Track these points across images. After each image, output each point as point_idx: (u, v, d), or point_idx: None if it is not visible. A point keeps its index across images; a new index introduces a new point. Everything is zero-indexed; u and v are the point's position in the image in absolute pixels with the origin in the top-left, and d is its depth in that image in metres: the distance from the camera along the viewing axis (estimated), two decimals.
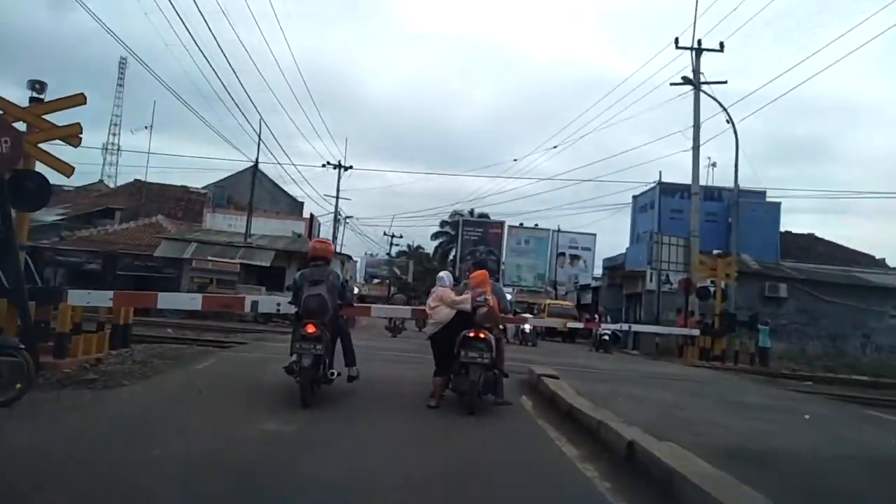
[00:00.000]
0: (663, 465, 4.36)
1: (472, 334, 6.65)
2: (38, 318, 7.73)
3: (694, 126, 22.96)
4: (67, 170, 7.97)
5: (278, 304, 8.60)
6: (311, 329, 6.29)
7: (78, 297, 7.77)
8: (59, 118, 7.99)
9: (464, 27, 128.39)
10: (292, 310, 7.42)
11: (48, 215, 25.58)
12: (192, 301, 8.19)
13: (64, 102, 7.87)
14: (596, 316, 25.19)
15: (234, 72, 40.86)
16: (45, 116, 7.88)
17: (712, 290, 21.78)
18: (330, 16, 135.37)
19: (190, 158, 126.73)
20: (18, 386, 5.49)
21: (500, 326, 7.99)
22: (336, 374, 6.82)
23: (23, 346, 5.94)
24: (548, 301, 31.46)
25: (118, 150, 52.51)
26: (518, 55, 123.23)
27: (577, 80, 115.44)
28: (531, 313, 21.75)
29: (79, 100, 7.88)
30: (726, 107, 22.64)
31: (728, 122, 22.98)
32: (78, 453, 4.28)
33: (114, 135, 54.62)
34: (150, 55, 48.04)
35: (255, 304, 8.23)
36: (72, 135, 7.84)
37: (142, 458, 4.23)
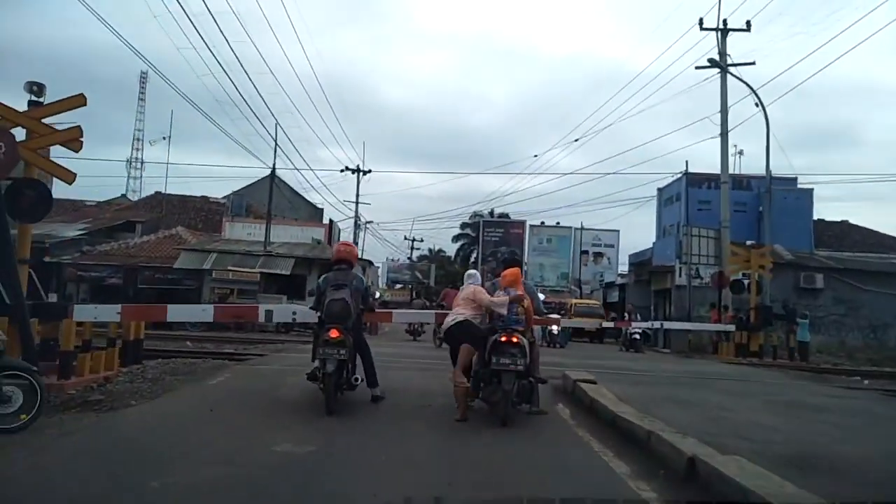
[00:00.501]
0: (734, 484, 3.76)
1: (503, 338, 6.10)
2: (45, 335, 7.39)
3: (721, 111, 22.09)
4: (69, 176, 7.61)
5: (294, 313, 8.19)
6: (334, 334, 6.10)
7: (83, 313, 7.40)
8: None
9: (477, 27, 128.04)
10: (311, 317, 7.04)
11: (69, 230, 25.66)
12: (203, 312, 7.78)
13: (63, 105, 7.50)
14: (625, 314, 24.40)
15: (251, 80, 40.83)
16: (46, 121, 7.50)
17: (746, 283, 20.90)
18: (342, 21, 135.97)
19: (209, 168, 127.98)
20: (25, 415, 5.27)
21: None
22: (360, 379, 6.55)
23: (35, 369, 5.69)
24: (574, 300, 30.66)
25: (142, 164, 52.85)
26: (533, 52, 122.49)
27: (595, 74, 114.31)
28: (558, 314, 20.98)
29: (79, 101, 7.50)
30: (754, 90, 21.73)
31: (757, 105, 22.05)
32: (70, 484, 3.84)
33: (137, 149, 55.03)
34: (168, 69, 48.50)
35: (269, 313, 7.81)
36: (72, 139, 7.46)
37: (139, 490, 3.77)
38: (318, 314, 6.64)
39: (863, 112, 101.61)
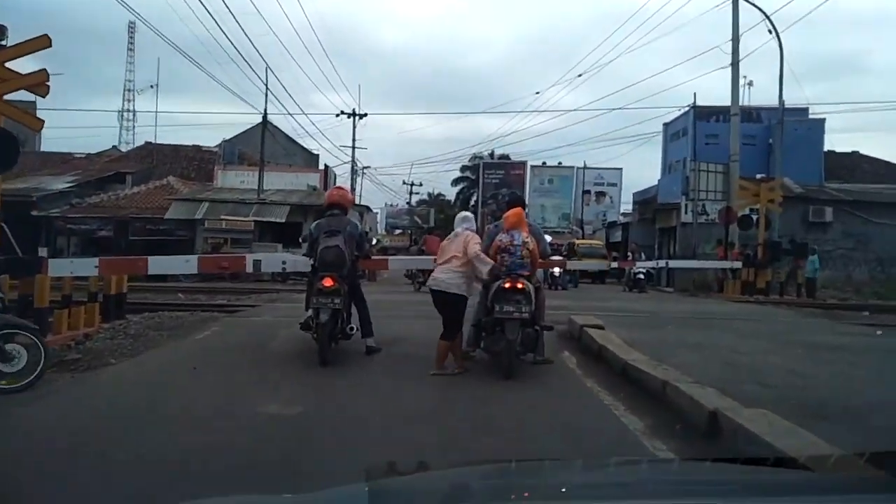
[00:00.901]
0: (763, 442, 3.36)
1: (507, 284, 5.63)
2: (23, 291, 6.95)
3: (733, 39, 20.93)
4: (36, 124, 7.04)
5: (283, 263, 7.75)
6: (328, 282, 5.75)
7: (59, 267, 6.98)
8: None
9: None
10: (302, 265, 6.62)
11: (58, 183, 25.00)
12: (187, 264, 7.33)
13: (26, 47, 6.83)
14: (628, 254, 23.96)
15: (240, 24, 39.15)
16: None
17: (755, 218, 20.34)
18: None
19: (202, 117, 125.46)
20: (30, 373, 5.14)
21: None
22: (355, 328, 6.23)
23: (36, 327, 5.62)
24: (576, 241, 30.19)
25: (133, 115, 51.32)
26: None
27: (596, 9, 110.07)
28: (561, 255, 20.47)
29: (43, 42, 6.81)
30: (768, 15, 20.55)
31: (770, 32, 20.96)
32: (27, 459, 3.45)
33: (128, 101, 53.32)
34: (157, 16, 46.40)
35: (257, 262, 7.40)
36: (38, 83, 6.83)
37: (104, 465, 3.39)
38: (311, 262, 6.23)
39: (873, 41, 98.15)
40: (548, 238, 7.86)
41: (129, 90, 53.25)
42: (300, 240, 7.12)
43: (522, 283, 5.68)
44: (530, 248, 5.90)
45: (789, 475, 2.09)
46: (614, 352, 5.98)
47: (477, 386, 5.45)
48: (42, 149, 36.53)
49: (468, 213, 6.60)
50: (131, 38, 53.24)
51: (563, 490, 1.41)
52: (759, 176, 22.33)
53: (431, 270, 6.26)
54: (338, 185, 7.38)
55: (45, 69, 6.73)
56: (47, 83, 6.74)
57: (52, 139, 64.24)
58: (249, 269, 7.56)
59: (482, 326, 5.98)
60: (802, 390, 5.27)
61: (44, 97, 6.82)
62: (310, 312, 6.02)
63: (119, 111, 51.97)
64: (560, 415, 4.68)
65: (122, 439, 3.81)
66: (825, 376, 5.90)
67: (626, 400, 4.95)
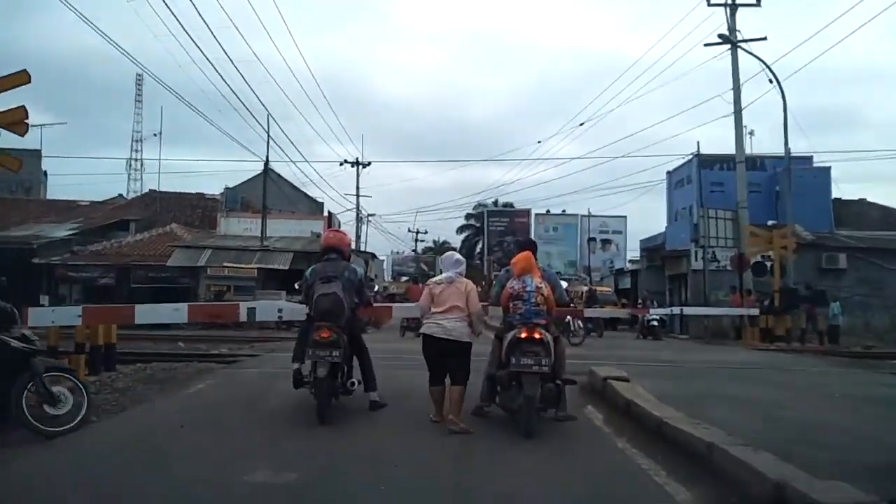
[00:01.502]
0: None
1: (523, 335, 5.11)
2: None
3: (734, 88, 20.97)
4: (14, 164, 6.66)
5: (280, 311, 7.24)
6: (325, 334, 5.23)
7: (40, 317, 6.47)
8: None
9: (472, 22, 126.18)
10: (299, 313, 6.10)
11: (59, 230, 24.76)
12: (176, 313, 6.83)
13: (5, 82, 6.51)
14: (639, 301, 23.36)
15: (242, 75, 39.81)
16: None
17: (769, 265, 19.84)
18: (338, 20, 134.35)
19: (206, 165, 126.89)
20: (74, 416, 5.15)
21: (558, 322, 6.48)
22: (357, 382, 5.71)
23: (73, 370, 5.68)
24: (584, 288, 29.58)
25: (141, 165, 51.78)
26: (530, 45, 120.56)
27: (595, 62, 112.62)
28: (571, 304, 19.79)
29: (22, 78, 6.51)
30: (768, 65, 20.56)
31: (771, 81, 20.92)
32: None
33: (136, 151, 53.96)
34: (163, 71, 47.19)
35: (251, 311, 6.87)
36: (16, 121, 6.48)
37: None
38: (307, 311, 5.74)
39: (865, 95, 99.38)
40: (564, 284, 7.35)
41: (136, 140, 53.91)
42: (295, 286, 6.58)
43: (540, 333, 5.17)
44: (545, 293, 5.43)
45: None
46: (645, 407, 5.40)
47: (495, 448, 4.84)
48: (49, 196, 36.67)
49: (459, 256, 6.11)
50: (139, 89, 54.29)
51: None
52: (770, 223, 21.94)
53: (416, 318, 5.96)
54: (333, 227, 6.90)
55: (23, 106, 6.39)
56: (26, 121, 6.40)
57: (61, 186, 64.73)
58: (243, 317, 7.05)
59: (497, 380, 5.42)
60: (860, 452, 4.69)
61: (22, 136, 6.46)
62: (296, 366, 5.64)
63: (127, 160, 52.40)
64: (594, 483, 4.08)
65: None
66: (877, 433, 5.30)
67: (665, 463, 4.36)
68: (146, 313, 6.63)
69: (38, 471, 4.17)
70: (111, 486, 3.72)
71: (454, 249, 60.98)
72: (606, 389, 6.53)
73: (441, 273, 5.87)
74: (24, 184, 35.92)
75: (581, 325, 15.63)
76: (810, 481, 3.32)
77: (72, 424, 5.10)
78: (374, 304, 8.77)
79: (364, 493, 3.77)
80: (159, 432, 5.06)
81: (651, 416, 5.21)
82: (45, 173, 38.87)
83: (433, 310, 5.55)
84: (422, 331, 5.70)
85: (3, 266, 19.05)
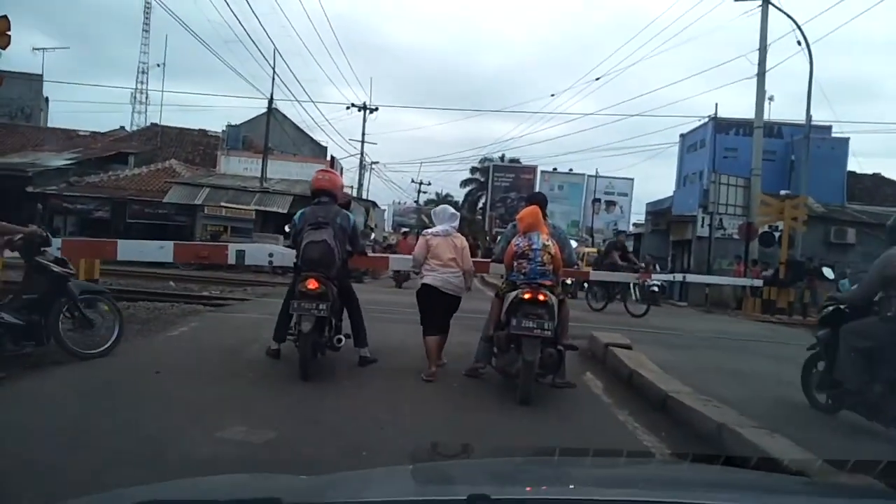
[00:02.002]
0: None
1: (527, 295, 4.76)
2: None
3: (760, 48, 20.04)
4: None
5: (271, 255, 6.86)
6: (312, 284, 4.87)
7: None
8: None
9: None
10: (291, 259, 5.72)
11: (56, 160, 24.20)
12: (161, 251, 6.47)
13: None
14: (642, 265, 23.00)
15: (252, 9, 38.38)
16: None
17: (777, 235, 19.41)
18: None
19: (212, 102, 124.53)
20: (108, 338, 5.31)
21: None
22: (343, 340, 5.35)
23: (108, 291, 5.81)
24: (585, 249, 29.20)
25: (146, 97, 50.32)
26: None
27: (613, 18, 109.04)
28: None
29: None
30: (799, 25, 19.60)
31: (800, 43, 20.02)
32: None
33: (141, 83, 52.30)
34: (175, 2, 45.43)
35: (240, 254, 6.52)
36: None
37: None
38: (294, 259, 5.36)
39: (892, 66, 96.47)
40: (574, 244, 7.00)
41: (142, 72, 52.34)
42: (285, 229, 6.22)
43: (545, 295, 4.82)
44: (552, 252, 5.06)
45: (788, 479, 2.29)
46: (650, 380, 5.09)
47: (488, 412, 4.58)
48: (50, 124, 35.81)
49: (453, 210, 6.15)
50: (147, 17, 52.45)
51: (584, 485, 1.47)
52: (782, 192, 21.37)
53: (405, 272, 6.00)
54: (325, 168, 6.43)
55: (5, 16, 5.86)
56: (8, 32, 5.89)
57: (64, 114, 63.36)
58: (231, 260, 6.72)
59: (495, 342, 5.11)
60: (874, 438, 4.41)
61: (3, 48, 5.94)
62: (275, 346, 5.36)
63: (132, 93, 50.98)
64: None
65: (29, 477, 2.93)
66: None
67: (669, 441, 4.08)
68: (129, 249, 6.28)
69: None
70: (65, 435, 3.42)
71: (456, 203, 60.56)
72: (608, 356, 6.24)
73: (434, 226, 5.86)
74: (24, 109, 35.07)
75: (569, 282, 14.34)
76: (827, 471, 3.01)
77: (105, 347, 5.26)
78: (370, 255, 8.40)
79: (344, 458, 3.48)
80: (130, 377, 4.76)
81: (656, 388, 4.91)
82: (47, 100, 37.84)
83: (431, 262, 5.54)
84: (425, 281, 5.62)
85: None
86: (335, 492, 1.35)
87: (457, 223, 5.81)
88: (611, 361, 6.11)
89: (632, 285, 13.22)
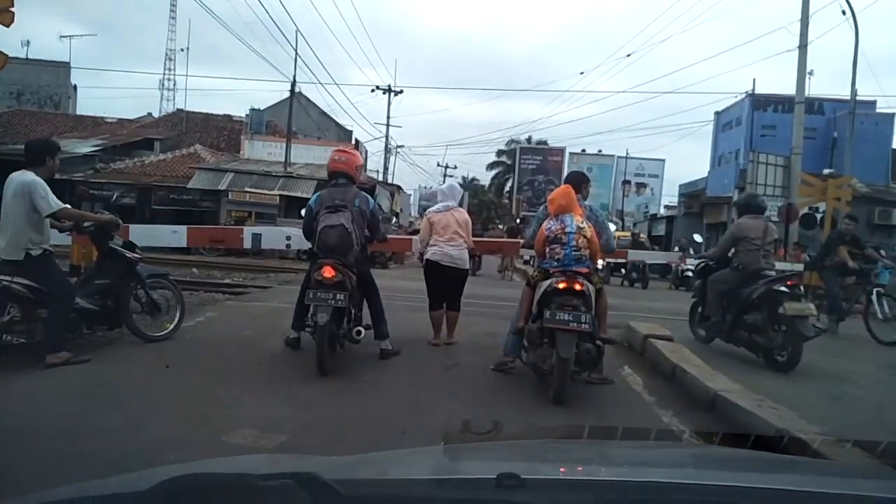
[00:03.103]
0: None
1: (562, 285, 4.34)
2: None
3: (801, 18, 18.89)
4: None
5: (288, 238, 6.61)
6: (329, 272, 4.56)
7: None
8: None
9: None
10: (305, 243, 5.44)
11: (83, 146, 24.38)
12: (174, 235, 6.24)
13: None
14: (677, 248, 22.29)
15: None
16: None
17: (820, 217, 18.53)
18: None
19: (235, 85, 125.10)
20: (170, 322, 5.52)
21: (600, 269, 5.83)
22: (363, 331, 5.01)
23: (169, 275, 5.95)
24: (618, 233, 28.54)
25: (174, 84, 50.62)
26: None
27: None
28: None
29: None
30: None
31: (844, 12, 19.01)
32: None
33: (169, 69, 52.64)
34: None
35: (256, 237, 6.31)
36: (1, 9, 5.71)
37: None
38: (311, 246, 5.04)
39: None
40: (612, 227, 6.67)
41: (170, 58, 52.59)
42: (300, 213, 5.95)
43: (581, 284, 4.40)
44: (587, 235, 4.64)
45: (816, 462, 2.43)
46: (696, 376, 4.66)
47: (519, 411, 4.21)
48: (80, 112, 36.20)
49: (457, 185, 6.57)
50: (173, 5, 52.55)
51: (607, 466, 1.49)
52: (825, 171, 20.39)
53: None
54: (342, 147, 6.10)
55: None
56: (11, 9, 5.63)
57: (92, 101, 64.42)
58: (247, 244, 6.51)
59: (526, 335, 4.69)
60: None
61: (7, 26, 5.69)
62: (294, 334, 5.20)
63: (160, 78, 51.27)
64: None
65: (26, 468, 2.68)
66: None
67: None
68: (142, 234, 6.05)
69: None
70: (63, 436, 3.15)
71: (483, 187, 59.91)
72: (647, 349, 5.80)
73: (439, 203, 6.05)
74: (52, 97, 35.49)
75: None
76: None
77: (167, 331, 5.44)
78: (392, 238, 8.07)
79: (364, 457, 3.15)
80: (138, 372, 4.51)
81: (703, 386, 4.47)
82: (75, 87, 38.27)
83: (436, 238, 5.76)
84: (427, 257, 5.83)
85: None
86: (367, 469, 1.37)
87: (459, 198, 6.06)
88: (650, 354, 5.68)
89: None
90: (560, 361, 4.21)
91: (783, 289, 5.96)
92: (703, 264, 7.07)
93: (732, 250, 6.43)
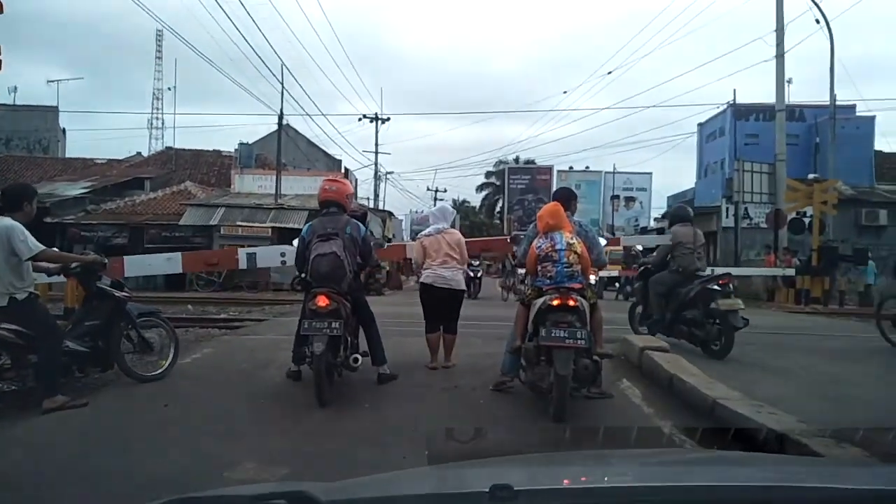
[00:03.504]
0: None
1: (556, 302, 4.39)
2: None
3: (777, 28, 19.39)
4: None
5: (283, 255, 6.76)
6: (323, 301, 4.57)
7: None
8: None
9: None
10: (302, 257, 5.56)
11: (73, 189, 24.40)
12: (169, 263, 6.31)
13: None
14: None
15: (259, 28, 38.59)
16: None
17: (807, 221, 18.73)
18: None
19: (223, 121, 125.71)
20: (164, 360, 5.45)
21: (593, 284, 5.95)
22: (360, 358, 4.99)
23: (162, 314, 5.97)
24: (608, 248, 28.61)
25: (162, 123, 50.96)
26: None
27: (622, 13, 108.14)
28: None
29: None
30: (817, 2, 19.00)
31: (818, 21, 19.44)
32: None
33: (157, 108, 53.05)
34: (181, 25, 46.09)
35: (250, 256, 6.51)
36: None
37: None
38: (303, 275, 5.07)
39: None
40: (602, 242, 6.78)
41: (157, 98, 52.96)
42: (292, 244, 6.01)
43: (574, 300, 4.44)
44: (578, 251, 4.68)
45: (804, 460, 2.62)
46: (694, 385, 4.68)
47: (520, 431, 4.22)
48: (69, 154, 36.26)
49: (448, 208, 6.63)
50: (159, 46, 53.09)
51: (606, 479, 1.51)
52: (810, 176, 20.66)
53: None
54: (332, 177, 6.21)
55: None
56: None
57: (81, 143, 64.67)
58: (242, 264, 6.69)
59: (523, 354, 4.72)
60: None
61: None
62: (294, 367, 5.11)
63: (148, 118, 51.58)
64: None
65: None
66: None
67: None
68: (137, 265, 6.12)
69: None
70: (61, 481, 3.14)
71: (474, 208, 60.18)
72: (644, 361, 5.82)
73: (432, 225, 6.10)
74: (41, 141, 35.58)
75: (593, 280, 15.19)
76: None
77: (162, 370, 5.35)
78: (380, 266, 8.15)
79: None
80: (137, 412, 4.50)
81: (701, 395, 4.50)
82: (64, 131, 38.40)
83: (429, 262, 5.82)
84: (421, 280, 5.99)
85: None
86: (361, 490, 1.40)
87: (450, 220, 6.04)
88: (647, 366, 5.70)
89: None
90: (558, 379, 4.21)
91: (716, 287, 6.86)
92: (643, 269, 7.86)
93: (669, 255, 7.21)
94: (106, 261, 5.33)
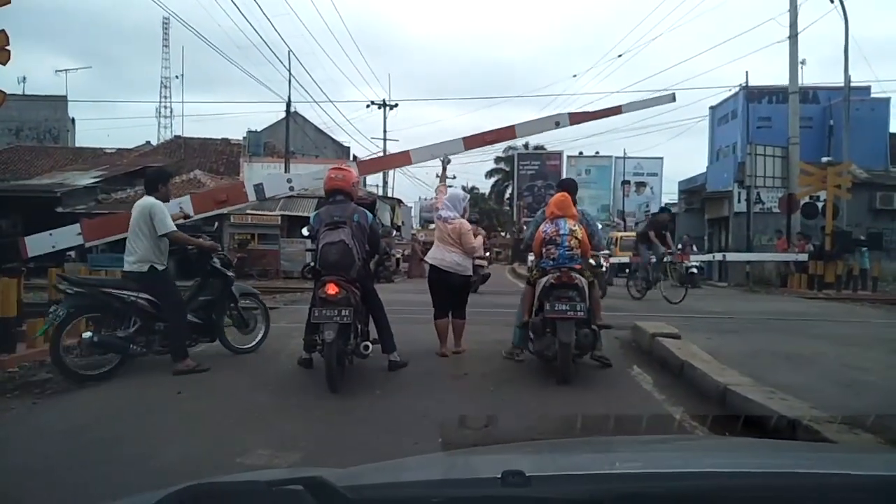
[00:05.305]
0: None
1: (557, 279, 4.86)
2: None
3: (790, 8, 19.06)
4: None
5: (289, 181, 7.54)
6: (332, 289, 4.60)
7: (39, 244, 6.77)
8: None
9: None
10: (310, 181, 6.02)
11: (83, 178, 24.55)
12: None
13: None
14: (679, 246, 22.32)
15: (268, 18, 38.49)
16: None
17: (820, 206, 18.50)
18: None
19: (232, 109, 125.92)
20: (257, 336, 6.00)
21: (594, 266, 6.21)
22: (371, 345, 5.05)
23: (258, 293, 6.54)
24: (619, 234, 28.47)
25: (171, 111, 51.11)
26: None
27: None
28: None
29: None
30: None
31: (832, 0, 19.08)
32: None
33: (165, 97, 53.19)
34: (188, 13, 46.06)
35: (258, 187, 6.96)
36: None
37: None
38: (312, 263, 5.12)
39: None
40: (599, 225, 6.90)
41: (165, 86, 53.03)
42: (303, 232, 6.14)
43: (574, 278, 4.92)
44: (578, 236, 5.16)
45: (813, 446, 2.68)
46: (705, 371, 4.68)
47: (528, 401, 4.32)
48: (78, 144, 36.49)
49: (460, 194, 6.53)
50: (166, 34, 53.08)
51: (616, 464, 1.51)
52: (824, 160, 20.37)
53: None
54: (338, 165, 6.29)
55: (3, 31, 5.72)
56: (7, 48, 5.73)
57: (91, 132, 65.09)
58: (251, 196, 7.26)
59: (530, 327, 5.13)
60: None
61: (3, 64, 5.79)
62: (306, 355, 5.14)
63: (156, 107, 51.69)
64: None
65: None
66: None
67: None
68: (38, 243, 6.60)
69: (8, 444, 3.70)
70: (80, 463, 3.19)
71: (483, 195, 59.90)
72: (655, 347, 5.82)
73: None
74: (51, 131, 35.80)
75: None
76: None
77: (253, 344, 5.90)
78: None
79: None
80: (152, 399, 4.56)
81: (712, 381, 4.49)
82: (73, 120, 38.61)
83: (437, 243, 6.03)
84: (426, 258, 6.29)
85: (27, 216, 18.90)
86: (374, 475, 1.40)
87: (461, 208, 6.07)
88: (658, 352, 5.70)
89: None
90: (562, 346, 4.71)
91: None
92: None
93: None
94: (220, 247, 6.04)
